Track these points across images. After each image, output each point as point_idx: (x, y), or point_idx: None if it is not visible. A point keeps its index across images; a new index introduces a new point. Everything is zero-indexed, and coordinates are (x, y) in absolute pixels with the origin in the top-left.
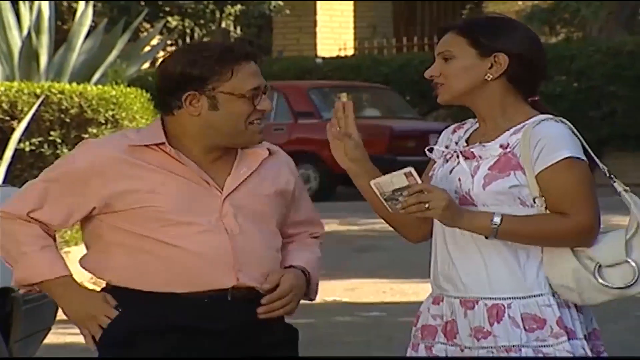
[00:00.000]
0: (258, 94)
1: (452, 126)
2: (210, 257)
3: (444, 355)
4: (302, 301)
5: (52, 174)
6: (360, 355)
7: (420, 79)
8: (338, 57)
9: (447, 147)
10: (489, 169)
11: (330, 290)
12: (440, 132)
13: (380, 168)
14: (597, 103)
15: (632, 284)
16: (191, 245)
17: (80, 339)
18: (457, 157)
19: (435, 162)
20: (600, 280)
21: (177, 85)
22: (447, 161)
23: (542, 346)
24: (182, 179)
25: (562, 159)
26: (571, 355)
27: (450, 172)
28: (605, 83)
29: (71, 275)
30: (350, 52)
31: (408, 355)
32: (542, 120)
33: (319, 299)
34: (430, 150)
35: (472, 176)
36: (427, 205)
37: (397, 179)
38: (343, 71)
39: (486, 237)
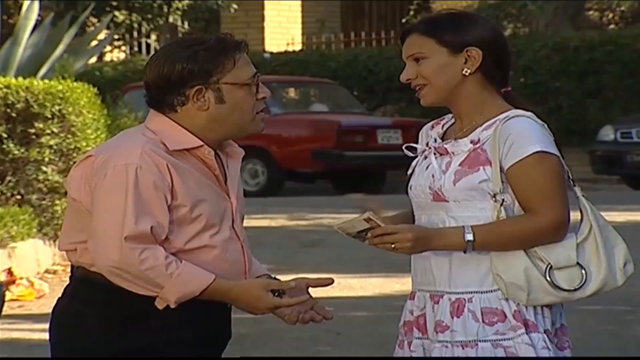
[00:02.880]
0: (257, 81)
1: (431, 122)
2: (234, 265)
3: (421, 350)
4: None
5: (129, 192)
6: (306, 350)
7: (368, 74)
8: (286, 52)
9: (427, 144)
10: (459, 165)
11: None
12: (387, 127)
13: (328, 163)
14: (543, 98)
15: (579, 288)
16: (222, 253)
17: (26, 334)
18: (433, 154)
19: (416, 159)
20: (551, 282)
21: (180, 82)
22: (426, 158)
23: (501, 340)
24: (211, 183)
25: (531, 154)
26: (531, 348)
27: (426, 168)
28: (551, 78)
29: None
30: (298, 47)
31: (395, 353)
32: (513, 117)
33: None
34: (408, 148)
35: (444, 172)
36: (393, 246)
37: (359, 224)
38: (291, 66)
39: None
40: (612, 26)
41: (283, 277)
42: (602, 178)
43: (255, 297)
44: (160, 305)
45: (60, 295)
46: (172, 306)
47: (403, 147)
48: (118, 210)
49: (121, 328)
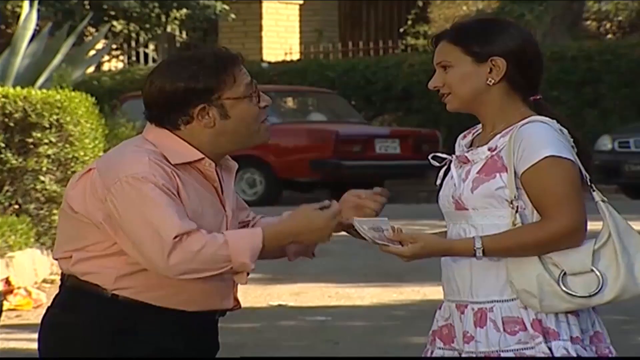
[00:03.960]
0: (256, 90)
1: (464, 132)
2: (223, 281)
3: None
4: (247, 306)
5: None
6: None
7: (366, 84)
8: (284, 61)
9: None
10: (477, 173)
11: (275, 295)
12: (385, 137)
13: (326, 172)
14: None
15: (595, 293)
16: None
17: (24, 344)
18: (455, 163)
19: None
20: (564, 288)
21: (184, 101)
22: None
23: (524, 349)
24: (210, 196)
25: (543, 159)
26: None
27: (451, 178)
28: (548, 88)
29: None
30: (296, 56)
31: None
32: (528, 122)
33: (264, 303)
34: (434, 158)
35: (464, 181)
36: (401, 249)
37: (383, 224)
38: (289, 76)
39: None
40: (609, 36)
41: (283, 287)
42: (600, 187)
43: (313, 216)
44: (242, 278)
45: (49, 304)
46: (251, 269)
47: (429, 157)
48: (156, 217)
49: (110, 339)
